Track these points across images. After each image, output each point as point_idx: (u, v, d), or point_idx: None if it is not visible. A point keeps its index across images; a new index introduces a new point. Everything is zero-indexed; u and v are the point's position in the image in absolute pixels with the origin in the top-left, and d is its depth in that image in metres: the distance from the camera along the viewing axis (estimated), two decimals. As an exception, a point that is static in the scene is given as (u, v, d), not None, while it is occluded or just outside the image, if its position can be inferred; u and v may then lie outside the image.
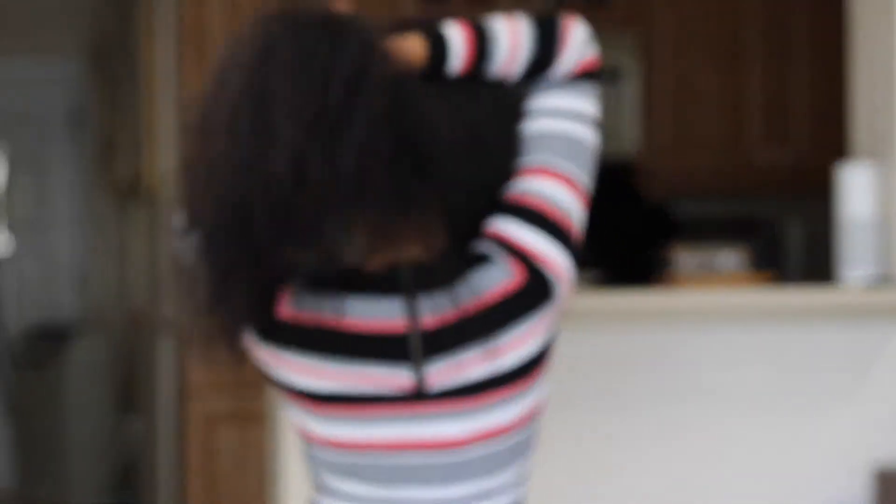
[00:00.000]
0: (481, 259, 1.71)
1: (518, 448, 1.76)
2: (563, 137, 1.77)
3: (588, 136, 1.79)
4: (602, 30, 5.95)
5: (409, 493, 1.72)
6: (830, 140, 5.40)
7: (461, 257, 1.72)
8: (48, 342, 7.15)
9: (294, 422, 1.77)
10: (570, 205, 1.75)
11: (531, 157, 1.75)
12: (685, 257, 3.58)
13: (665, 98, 5.74)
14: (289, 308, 1.69)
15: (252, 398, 5.02)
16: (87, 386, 6.94)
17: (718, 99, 5.76)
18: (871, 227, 3.41)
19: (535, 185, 1.74)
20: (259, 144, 1.59)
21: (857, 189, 3.43)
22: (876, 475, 3.39)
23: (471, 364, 1.69)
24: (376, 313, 1.67)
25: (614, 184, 5.13)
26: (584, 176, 1.77)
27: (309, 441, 1.75)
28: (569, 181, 1.76)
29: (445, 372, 1.69)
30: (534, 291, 1.71)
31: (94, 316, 7.86)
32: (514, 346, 1.71)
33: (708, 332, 3.40)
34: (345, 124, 1.59)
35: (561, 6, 5.42)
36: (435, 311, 1.68)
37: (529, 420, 1.76)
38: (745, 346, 3.40)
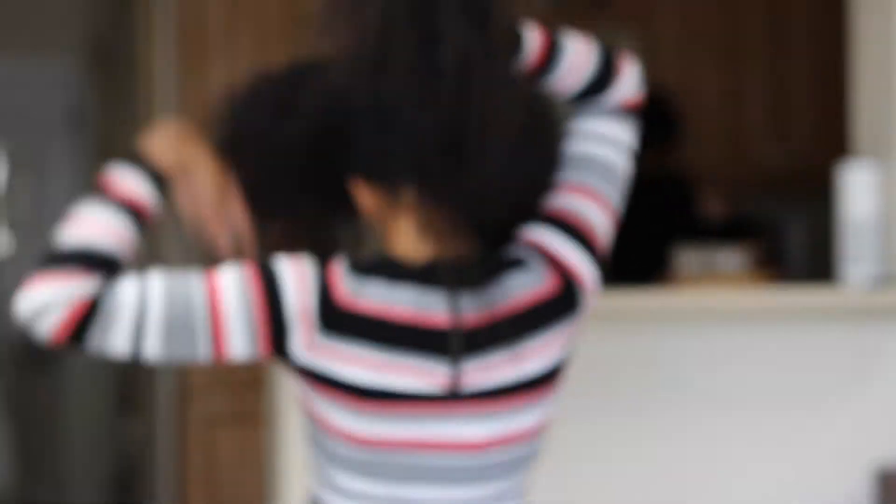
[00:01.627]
0: (517, 263, 1.76)
1: (529, 457, 1.79)
2: (604, 162, 1.84)
3: (626, 165, 1.85)
4: (603, 29, 5.98)
5: (422, 492, 1.73)
6: (832, 139, 5.40)
7: (496, 259, 1.76)
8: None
9: (313, 413, 1.75)
10: (603, 225, 1.81)
11: (573, 175, 1.82)
12: (686, 257, 3.59)
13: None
14: (343, 294, 1.69)
15: (252, 399, 5.02)
16: (87, 387, 6.95)
17: (719, 98, 5.77)
18: (873, 225, 3.42)
19: (574, 202, 1.80)
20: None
21: (858, 188, 3.43)
22: (877, 475, 3.39)
23: (500, 366, 1.72)
24: (421, 305, 1.69)
25: (661, 197, 5.06)
26: (618, 201, 1.84)
27: (327, 433, 1.73)
28: (605, 203, 1.82)
29: (479, 372, 1.71)
30: (563, 300, 1.76)
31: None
32: (540, 351, 1.75)
33: (709, 331, 3.41)
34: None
35: (561, 7, 5.42)
36: (471, 309, 1.71)
37: (543, 430, 1.81)
38: (746, 345, 3.41)
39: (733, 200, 5.04)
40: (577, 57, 1.80)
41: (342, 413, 1.71)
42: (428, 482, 1.73)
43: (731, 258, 3.58)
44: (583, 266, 1.78)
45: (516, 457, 1.76)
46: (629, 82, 1.85)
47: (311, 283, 1.69)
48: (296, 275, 1.69)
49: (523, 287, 1.73)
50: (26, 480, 7.20)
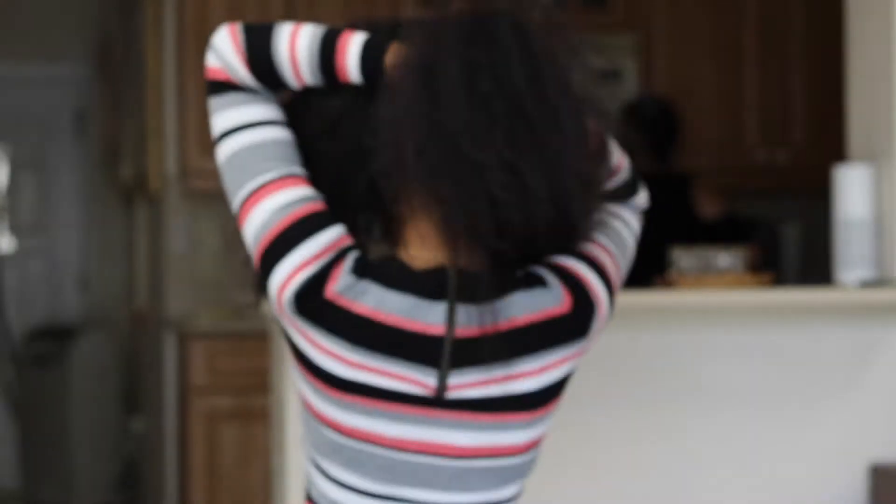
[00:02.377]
0: (536, 281, 1.74)
1: (520, 468, 1.78)
2: (622, 237, 1.85)
3: (633, 251, 1.89)
4: (600, 31, 6.00)
5: (409, 493, 1.73)
6: (828, 142, 5.42)
7: (510, 275, 1.73)
8: (52, 341, 7.17)
9: (304, 398, 1.77)
10: (614, 274, 1.81)
11: (599, 236, 1.83)
12: (684, 258, 3.59)
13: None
14: (335, 288, 1.69)
15: (255, 396, 5.03)
16: (91, 385, 6.95)
17: (716, 100, 5.77)
18: (868, 228, 3.42)
19: (596, 251, 1.79)
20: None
21: (854, 190, 3.43)
22: (870, 470, 3.40)
23: (494, 381, 1.70)
24: (414, 311, 1.68)
25: (662, 198, 5.04)
26: (624, 269, 1.85)
27: (315, 418, 1.75)
28: (618, 267, 1.82)
29: (468, 384, 1.70)
30: (578, 323, 1.74)
31: (98, 315, 7.89)
32: (541, 371, 1.73)
33: (706, 331, 3.41)
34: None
35: (560, 9, 5.44)
36: (473, 321, 1.69)
37: (535, 446, 1.78)
38: (742, 345, 3.40)
39: (728, 200, 5.05)
40: (618, 161, 1.87)
41: (324, 401, 1.72)
42: (416, 484, 1.73)
43: (727, 260, 3.59)
44: (602, 293, 1.77)
45: (507, 467, 1.75)
46: (643, 198, 1.92)
47: (309, 269, 1.70)
48: (304, 253, 1.71)
49: (534, 305, 1.72)
50: (31, 478, 7.21)
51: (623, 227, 1.87)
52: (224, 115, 1.81)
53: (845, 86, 3.66)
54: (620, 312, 3.36)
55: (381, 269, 1.70)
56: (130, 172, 6.60)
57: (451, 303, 1.68)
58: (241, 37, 1.80)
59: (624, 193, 1.88)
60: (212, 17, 5.43)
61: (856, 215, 3.43)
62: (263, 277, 1.73)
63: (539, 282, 1.73)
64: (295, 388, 1.82)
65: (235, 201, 1.77)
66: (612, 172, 1.86)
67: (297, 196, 1.73)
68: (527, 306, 1.71)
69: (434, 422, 1.71)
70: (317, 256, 1.71)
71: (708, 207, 4.78)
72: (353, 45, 1.76)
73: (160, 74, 5.86)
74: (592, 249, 1.80)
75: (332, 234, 1.72)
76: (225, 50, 1.81)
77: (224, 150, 1.79)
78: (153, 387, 6.25)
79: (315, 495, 1.79)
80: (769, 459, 3.41)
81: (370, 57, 1.75)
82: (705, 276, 3.43)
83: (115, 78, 6.89)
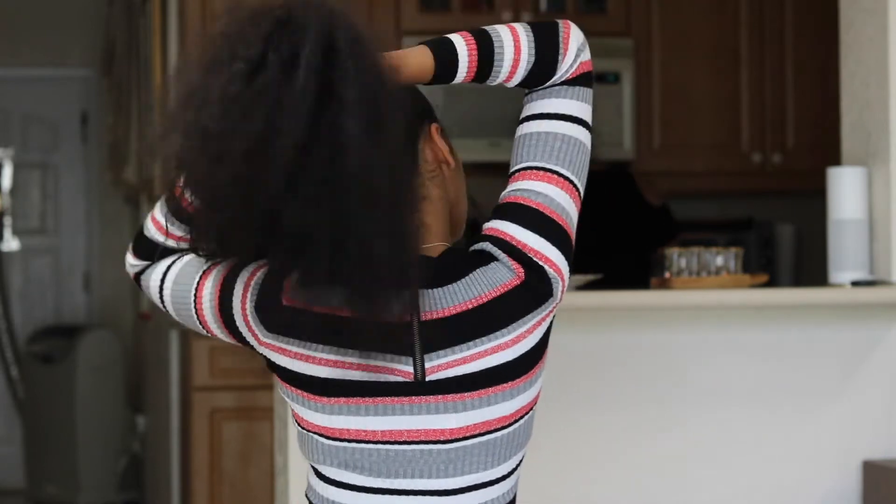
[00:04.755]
0: (486, 257, 1.75)
1: (513, 440, 1.78)
2: (560, 140, 1.79)
3: (583, 138, 1.80)
4: (599, 36, 6.03)
5: (407, 483, 1.75)
6: (822, 143, 5.45)
7: (464, 254, 1.76)
8: (57, 340, 7.18)
9: (293, 413, 1.80)
10: (567, 206, 1.78)
11: (528, 158, 1.79)
12: (679, 258, 3.60)
13: (660, 102, 5.80)
14: (293, 294, 1.69)
15: (257, 393, 5.05)
16: (96, 384, 6.96)
17: (712, 103, 5.79)
18: (861, 229, 3.42)
19: (534, 187, 1.77)
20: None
21: (847, 192, 3.43)
22: (863, 466, 3.41)
23: (471, 359, 1.72)
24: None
25: (615, 186, 5.17)
26: (579, 177, 1.80)
27: (307, 430, 1.78)
28: (565, 183, 1.78)
29: (446, 365, 1.71)
30: (534, 290, 1.75)
31: (102, 314, 7.92)
32: (514, 342, 1.74)
33: (701, 330, 3.40)
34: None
35: (557, 11, 5.49)
36: (439, 304, 1.71)
37: (525, 413, 1.79)
38: (737, 344, 3.40)
39: (725, 204, 5.11)
40: (516, 45, 1.76)
41: (311, 409, 1.74)
42: (409, 474, 1.74)
43: (723, 260, 3.60)
44: (550, 250, 1.76)
45: (499, 442, 1.76)
46: (573, 52, 1.79)
47: (255, 286, 1.75)
48: (247, 277, 1.77)
49: (494, 280, 1.73)
50: (35, 476, 7.22)
51: (554, 123, 1.79)
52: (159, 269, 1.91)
53: (839, 89, 3.67)
54: (615, 312, 3.38)
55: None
56: (135, 174, 6.63)
57: (412, 287, 1.66)
58: (161, 210, 1.87)
59: (540, 76, 1.79)
60: (212, 21, 5.46)
61: (849, 216, 3.42)
62: (234, 331, 1.81)
63: (491, 258, 1.75)
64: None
65: (194, 317, 1.85)
66: (509, 70, 1.77)
67: (221, 269, 1.81)
68: (487, 283, 1.73)
69: (420, 407, 1.72)
70: (253, 273, 1.76)
71: (652, 197, 5.23)
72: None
73: (164, 76, 5.89)
74: (526, 187, 1.77)
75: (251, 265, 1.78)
76: (151, 227, 1.91)
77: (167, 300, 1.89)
78: (157, 385, 6.27)
79: (314, 499, 1.80)
80: (764, 457, 3.41)
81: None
82: (700, 276, 3.44)
83: (120, 80, 6.92)
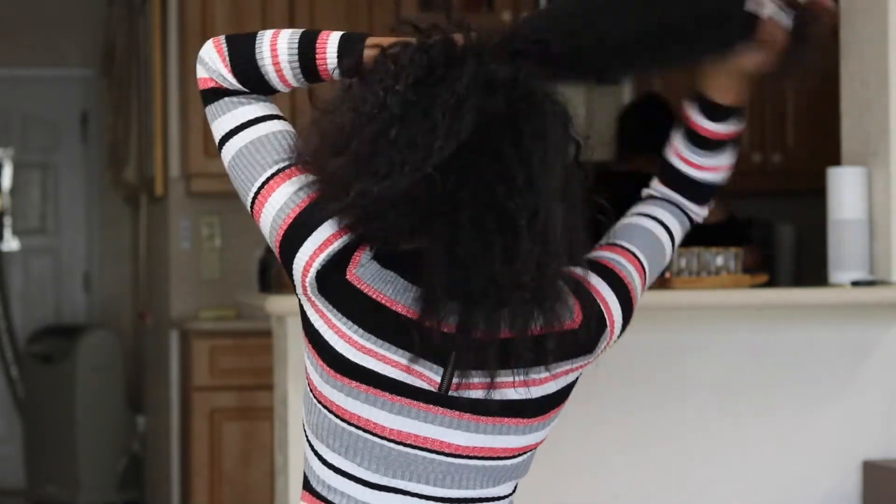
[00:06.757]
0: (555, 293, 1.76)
1: (513, 471, 1.81)
2: (658, 244, 1.95)
3: (669, 257, 1.99)
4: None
5: (403, 485, 1.76)
6: (822, 143, 5.45)
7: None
8: (57, 340, 7.19)
9: (309, 380, 1.79)
10: (638, 287, 1.89)
11: (629, 240, 1.92)
12: (679, 258, 3.61)
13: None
14: (357, 271, 1.71)
15: (257, 393, 5.06)
16: (96, 383, 6.96)
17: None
18: (862, 229, 3.42)
19: (619, 259, 1.88)
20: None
21: (847, 192, 3.43)
22: (863, 466, 3.41)
23: (498, 385, 1.72)
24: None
25: (625, 188, 5.13)
26: (654, 273, 1.94)
27: (317, 400, 1.77)
28: (641, 270, 1.91)
29: (473, 385, 1.72)
30: (582, 339, 1.78)
31: (102, 314, 7.93)
32: (544, 382, 1.76)
33: (701, 330, 3.40)
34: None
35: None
36: (489, 325, 1.68)
37: (531, 450, 1.82)
38: (737, 344, 3.40)
39: (729, 205, 5.08)
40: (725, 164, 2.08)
41: (329, 385, 1.74)
42: (407, 476, 1.75)
43: (723, 260, 3.60)
44: (616, 313, 1.82)
45: (498, 468, 1.78)
46: (705, 211, 2.11)
47: (331, 252, 1.73)
48: (329, 235, 1.74)
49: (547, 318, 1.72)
50: (35, 476, 7.23)
51: (661, 230, 1.96)
52: (222, 119, 1.84)
53: (839, 88, 3.67)
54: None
55: (405, 261, 1.71)
56: (135, 174, 6.63)
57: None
58: (225, 48, 1.83)
59: (700, 194, 2.02)
60: (214, 22, 5.47)
61: (849, 216, 3.43)
62: (286, 263, 1.76)
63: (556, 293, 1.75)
64: (302, 372, 1.84)
65: (248, 198, 1.80)
66: (720, 167, 2.05)
67: (306, 181, 1.76)
68: (543, 317, 1.72)
69: (434, 418, 1.73)
70: (336, 235, 1.73)
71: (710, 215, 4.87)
72: (330, 44, 1.80)
73: (164, 77, 5.91)
74: (622, 262, 1.86)
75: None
76: (212, 61, 1.84)
77: (228, 152, 1.82)
78: (157, 385, 6.28)
79: (313, 481, 1.81)
80: (764, 457, 3.41)
81: (348, 52, 1.78)
82: (700, 276, 3.45)
83: (119, 81, 6.92)
